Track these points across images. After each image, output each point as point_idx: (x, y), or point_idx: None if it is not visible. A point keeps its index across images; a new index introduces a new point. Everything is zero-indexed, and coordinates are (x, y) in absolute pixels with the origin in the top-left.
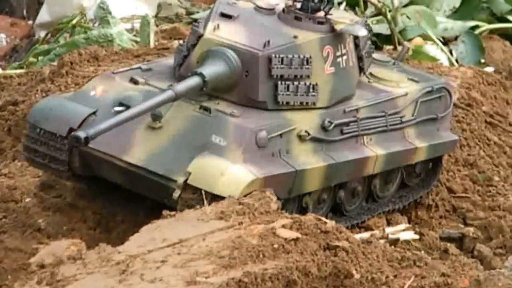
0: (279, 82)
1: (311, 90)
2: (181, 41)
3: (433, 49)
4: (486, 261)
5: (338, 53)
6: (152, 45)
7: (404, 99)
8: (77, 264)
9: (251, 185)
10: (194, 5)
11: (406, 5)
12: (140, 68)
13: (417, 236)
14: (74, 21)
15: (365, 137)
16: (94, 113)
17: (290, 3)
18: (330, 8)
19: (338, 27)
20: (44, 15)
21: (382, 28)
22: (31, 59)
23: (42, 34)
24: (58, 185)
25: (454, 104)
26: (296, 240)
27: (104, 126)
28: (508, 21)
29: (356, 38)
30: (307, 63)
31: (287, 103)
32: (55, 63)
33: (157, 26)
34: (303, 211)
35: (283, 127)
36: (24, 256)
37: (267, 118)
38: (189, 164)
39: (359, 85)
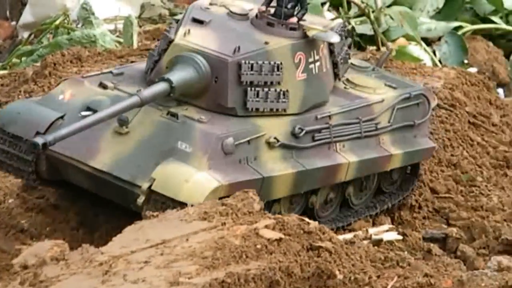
0: (249, 89)
1: (281, 96)
2: None
3: (417, 50)
4: (469, 261)
5: (311, 59)
6: (135, 46)
7: (380, 106)
8: (60, 264)
9: (215, 192)
10: (177, 6)
11: (389, 6)
12: (111, 72)
13: (400, 237)
14: (57, 22)
15: (337, 144)
16: (62, 117)
17: (263, 8)
18: (303, 14)
19: (310, 33)
20: (27, 16)
21: (366, 29)
22: (14, 60)
23: (25, 35)
24: (41, 186)
25: (437, 105)
26: (279, 240)
27: (64, 132)
28: (491, 21)
29: (330, 44)
30: (278, 69)
31: (257, 109)
32: (38, 64)
33: (140, 27)
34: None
35: (252, 134)
36: (7, 257)
37: (236, 125)
38: (154, 171)
39: (334, 91)
